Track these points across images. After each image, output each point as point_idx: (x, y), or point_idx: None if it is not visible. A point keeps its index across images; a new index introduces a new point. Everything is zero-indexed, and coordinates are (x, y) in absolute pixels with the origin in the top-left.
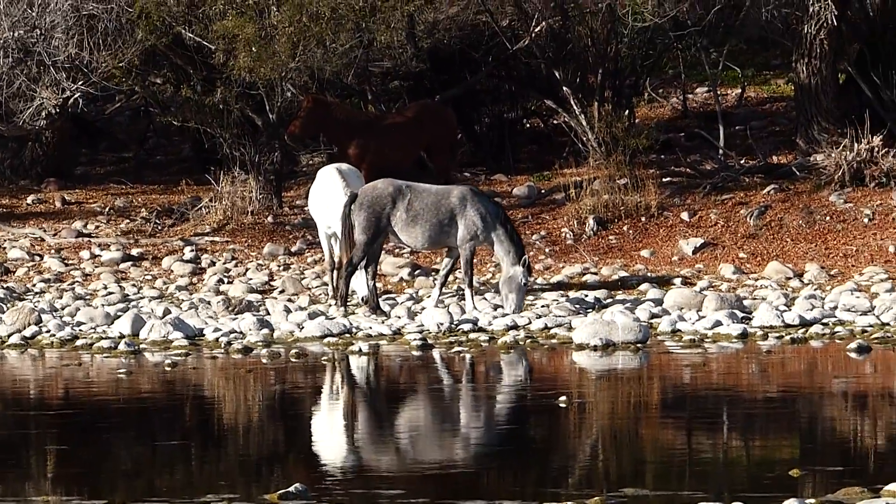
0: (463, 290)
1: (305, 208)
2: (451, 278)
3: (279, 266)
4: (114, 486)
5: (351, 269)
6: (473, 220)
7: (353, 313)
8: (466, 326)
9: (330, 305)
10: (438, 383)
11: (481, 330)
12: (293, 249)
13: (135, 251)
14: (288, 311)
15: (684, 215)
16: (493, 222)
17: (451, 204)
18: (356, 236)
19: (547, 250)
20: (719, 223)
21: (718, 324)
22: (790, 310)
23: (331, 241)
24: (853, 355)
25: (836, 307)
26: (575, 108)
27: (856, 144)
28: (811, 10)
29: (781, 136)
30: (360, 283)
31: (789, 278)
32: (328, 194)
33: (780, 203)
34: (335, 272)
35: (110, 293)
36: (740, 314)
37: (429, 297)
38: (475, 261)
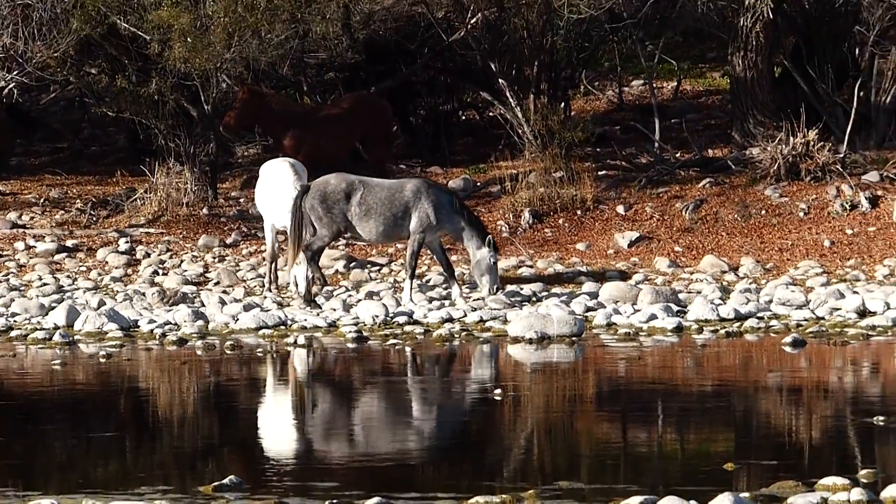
0: (402, 281)
1: (241, 200)
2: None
3: (214, 258)
4: (48, 477)
5: (311, 254)
6: (427, 212)
7: (288, 305)
8: (402, 319)
9: (265, 297)
10: (374, 376)
11: (416, 322)
12: (228, 241)
13: (69, 242)
14: (223, 302)
15: (620, 209)
16: (449, 212)
17: (405, 197)
18: (319, 230)
19: None
20: (655, 217)
21: (654, 317)
22: (725, 303)
23: (276, 235)
24: (788, 349)
25: (771, 301)
26: (511, 100)
27: (791, 138)
28: (747, 2)
29: (717, 130)
30: (300, 275)
31: (725, 272)
32: (278, 188)
33: (715, 197)
34: (273, 264)
35: (45, 284)
36: (675, 308)
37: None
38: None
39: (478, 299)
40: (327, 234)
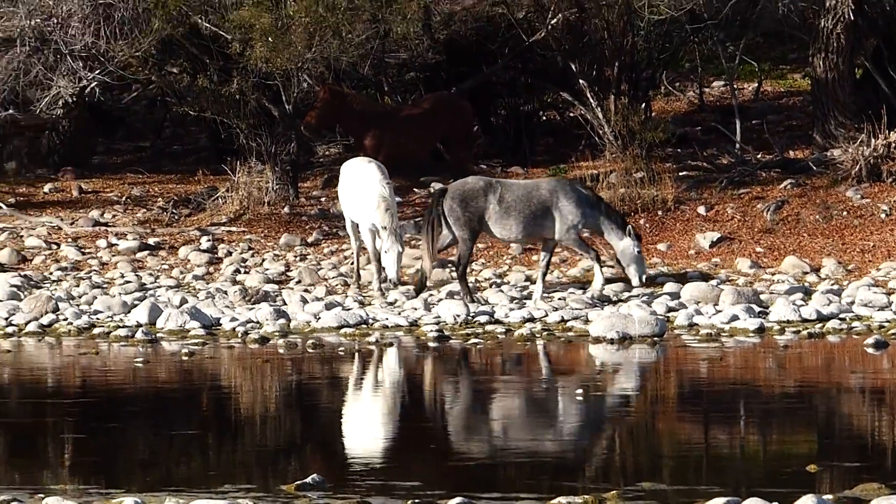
0: (484, 281)
1: (322, 199)
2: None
3: (296, 256)
4: (131, 475)
5: (461, 268)
6: (570, 210)
7: (370, 304)
8: (483, 318)
9: (347, 296)
10: (455, 375)
11: (498, 322)
12: (309, 240)
13: (151, 240)
14: (304, 301)
15: (701, 209)
16: (588, 208)
17: (542, 196)
18: (457, 231)
19: None
20: (736, 217)
21: (735, 318)
22: (807, 305)
23: (366, 234)
24: (870, 350)
25: (853, 302)
26: (591, 100)
27: (872, 140)
28: (828, 3)
29: (798, 131)
30: (388, 264)
31: (806, 273)
32: (363, 186)
33: (796, 198)
34: (357, 262)
35: (127, 282)
36: (757, 309)
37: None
38: (491, 254)
39: (560, 299)
40: (466, 236)
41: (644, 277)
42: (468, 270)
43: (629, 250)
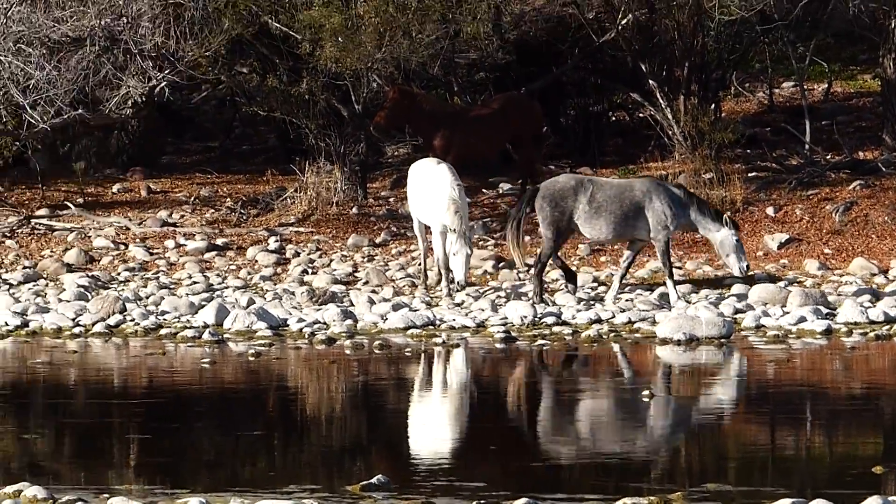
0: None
1: (391, 199)
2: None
3: (363, 257)
4: (197, 475)
5: (541, 266)
6: (663, 211)
7: (437, 305)
8: (550, 320)
9: (415, 297)
10: (520, 377)
11: (565, 323)
12: (377, 241)
13: (219, 241)
14: (372, 302)
15: (769, 210)
16: (682, 208)
17: (634, 196)
18: (542, 231)
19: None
20: (804, 219)
21: (803, 319)
22: (875, 306)
23: (436, 235)
24: None
25: None
26: (661, 101)
27: None
28: None
29: (868, 132)
30: (457, 267)
31: (874, 274)
32: (434, 188)
33: (865, 199)
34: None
35: (195, 282)
36: (825, 310)
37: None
38: (560, 254)
39: (628, 300)
40: (550, 234)
41: (746, 266)
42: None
43: (728, 240)
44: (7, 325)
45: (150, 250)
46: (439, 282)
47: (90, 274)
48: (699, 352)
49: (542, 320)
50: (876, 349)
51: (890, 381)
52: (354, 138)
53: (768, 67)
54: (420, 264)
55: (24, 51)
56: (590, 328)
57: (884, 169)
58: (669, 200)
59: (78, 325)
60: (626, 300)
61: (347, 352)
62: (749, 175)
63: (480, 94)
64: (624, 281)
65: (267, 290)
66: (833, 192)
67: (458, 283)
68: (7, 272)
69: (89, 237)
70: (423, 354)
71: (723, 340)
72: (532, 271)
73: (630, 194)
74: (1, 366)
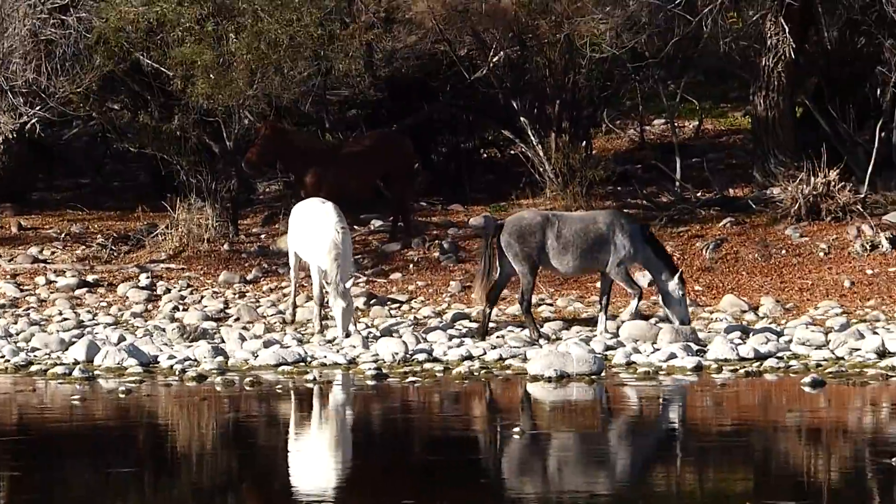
0: (427, 317)
1: (262, 236)
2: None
3: (234, 294)
4: None
5: (526, 303)
6: (623, 244)
7: (309, 342)
8: (421, 356)
9: (285, 333)
10: (392, 414)
11: (436, 360)
12: (249, 277)
13: (90, 277)
14: (243, 339)
15: None
16: (642, 242)
17: (600, 229)
18: (517, 268)
19: None
20: (675, 255)
21: (673, 356)
22: (745, 343)
23: (314, 274)
24: (808, 389)
25: (790, 341)
26: (532, 138)
27: (812, 178)
28: (769, 42)
29: (738, 169)
30: (335, 318)
31: (744, 311)
32: (317, 229)
33: (736, 236)
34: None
35: (65, 319)
36: (695, 347)
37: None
38: (430, 291)
39: (498, 336)
40: (526, 270)
41: (687, 320)
42: (532, 304)
43: (675, 293)
44: None
45: (21, 287)
46: (311, 320)
47: None
48: (570, 388)
49: (414, 357)
50: (746, 386)
51: (759, 417)
52: (226, 175)
53: (639, 105)
54: (291, 301)
55: None
56: (461, 365)
57: (754, 206)
58: (632, 234)
59: None
60: (497, 336)
61: (218, 389)
62: None
63: (352, 130)
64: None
65: (138, 327)
66: (703, 229)
67: (338, 336)
68: None
69: None
70: (293, 392)
71: (594, 377)
72: (522, 311)
73: (595, 227)
74: None
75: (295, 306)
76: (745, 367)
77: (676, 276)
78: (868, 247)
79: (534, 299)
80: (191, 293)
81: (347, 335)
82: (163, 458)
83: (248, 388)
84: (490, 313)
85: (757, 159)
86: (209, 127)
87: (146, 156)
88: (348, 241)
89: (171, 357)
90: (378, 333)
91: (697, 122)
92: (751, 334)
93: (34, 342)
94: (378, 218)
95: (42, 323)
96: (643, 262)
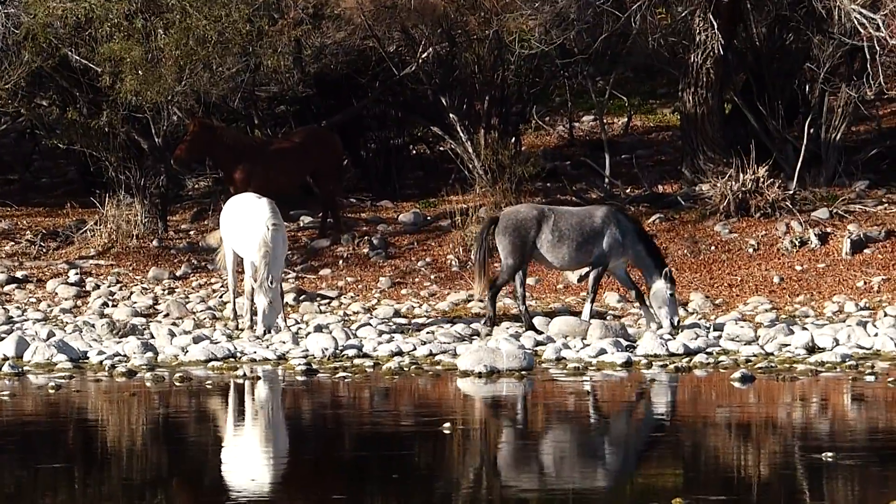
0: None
1: (191, 232)
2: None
3: (164, 290)
4: None
5: (495, 290)
6: (616, 238)
7: (238, 337)
8: (351, 352)
9: (215, 329)
10: (323, 409)
11: (366, 356)
12: (178, 273)
13: (19, 273)
14: (172, 334)
15: None
16: (634, 239)
17: (595, 224)
18: (505, 259)
19: (432, 277)
20: None
21: (603, 352)
22: (674, 339)
23: (247, 268)
24: (737, 384)
25: (720, 336)
26: (461, 135)
27: (741, 175)
28: (697, 39)
29: (667, 166)
30: (259, 314)
31: None
32: (250, 224)
33: (665, 232)
34: (238, 298)
35: None
36: (625, 342)
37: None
38: (360, 287)
39: (428, 332)
40: (511, 262)
41: (676, 321)
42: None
43: (663, 292)
44: None
45: None
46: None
47: None
48: (499, 384)
49: (344, 352)
50: (675, 381)
51: (689, 413)
52: (155, 171)
53: (568, 101)
54: (230, 296)
55: None
56: (391, 360)
57: (683, 202)
58: (625, 228)
59: None
60: (427, 332)
61: (148, 384)
62: None
63: (281, 127)
64: (417, 312)
65: (67, 323)
66: None
67: (258, 331)
68: None
69: None
70: (223, 387)
71: (523, 373)
72: (487, 295)
73: (590, 221)
74: None
75: (236, 314)
76: (674, 362)
77: (664, 276)
78: (797, 243)
79: (463, 295)
80: (120, 289)
81: (267, 332)
82: (93, 454)
83: (177, 383)
84: (495, 303)
85: (686, 156)
86: (138, 123)
87: (75, 152)
88: (280, 239)
89: (100, 353)
90: (310, 329)
91: (626, 119)
92: (680, 330)
93: None
94: (307, 214)
95: None
96: (634, 260)
